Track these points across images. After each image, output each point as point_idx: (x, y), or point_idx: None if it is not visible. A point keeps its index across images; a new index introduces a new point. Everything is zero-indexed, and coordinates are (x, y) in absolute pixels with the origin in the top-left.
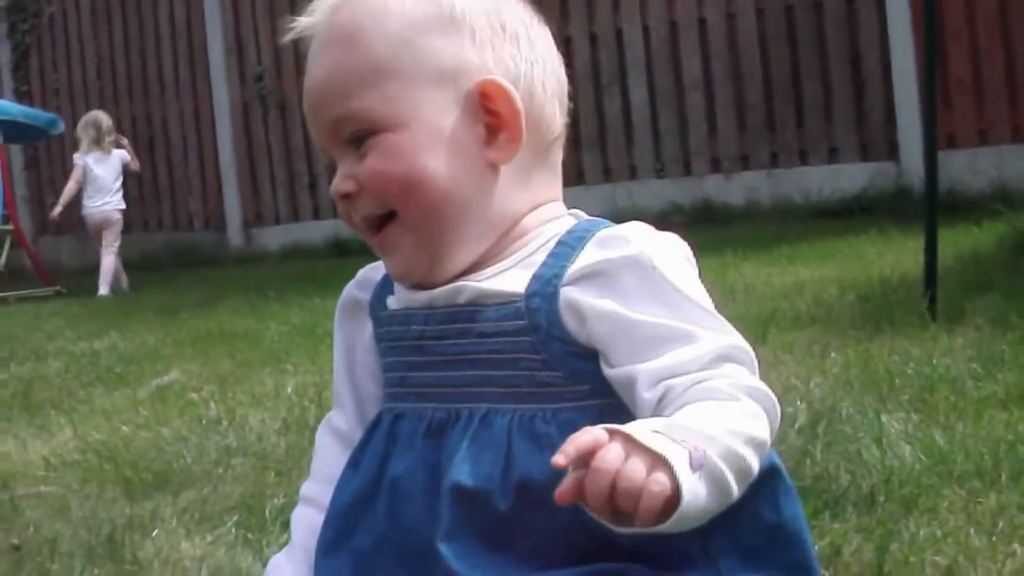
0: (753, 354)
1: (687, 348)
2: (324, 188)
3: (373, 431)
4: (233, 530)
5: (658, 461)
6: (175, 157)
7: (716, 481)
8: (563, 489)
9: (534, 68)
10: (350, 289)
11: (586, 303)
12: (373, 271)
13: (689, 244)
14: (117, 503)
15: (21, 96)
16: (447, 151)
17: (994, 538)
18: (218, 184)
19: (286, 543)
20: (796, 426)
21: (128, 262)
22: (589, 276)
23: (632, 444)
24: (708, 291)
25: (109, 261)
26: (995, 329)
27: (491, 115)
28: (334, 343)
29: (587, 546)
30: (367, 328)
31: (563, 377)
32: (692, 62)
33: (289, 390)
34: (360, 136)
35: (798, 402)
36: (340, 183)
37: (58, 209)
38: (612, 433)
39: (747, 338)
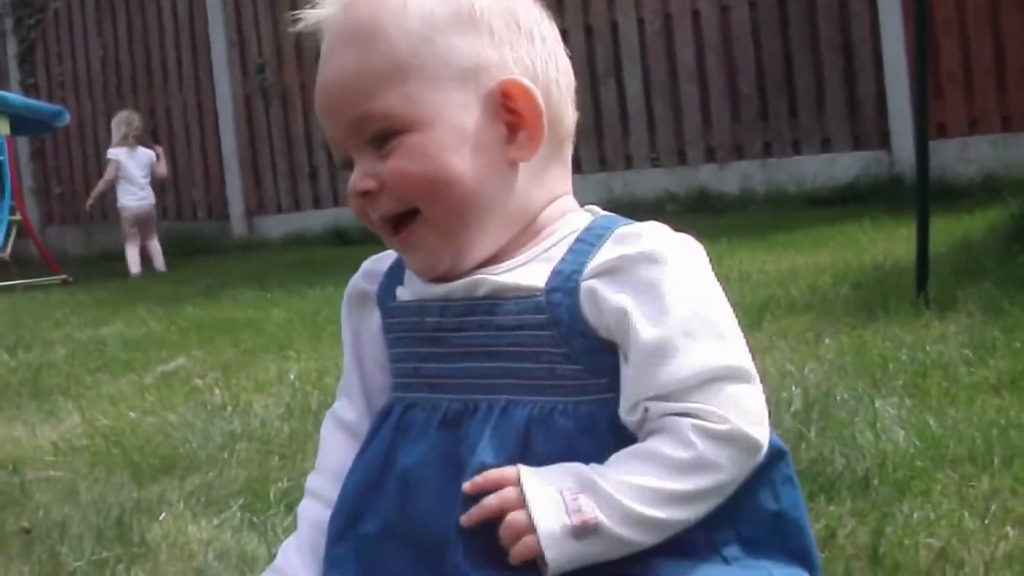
0: (751, 369)
1: (674, 368)
2: (324, 177)
3: (382, 421)
4: (238, 513)
5: (531, 528)
6: (179, 148)
7: (615, 541)
8: (466, 516)
9: (548, 65)
10: (356, 281)
11: (603, 297)
12: (378, 262)
13: (686, 233)
14: (125, 487)
15: (27, 89)
16: (470, 150)
17: (987, 521)
18: (221, 174)
19: (290, 526)
20: (791, 411)
21: None
22: (607, 272)
23: (523, 502)
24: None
25: (156, 245)
26: (987, 316)
27: (512, 114)
28: (342, 334)
29: None
30: (374, 319)
31: (583, 371)
32: (686, 53)
33: (292, 376)
34: (382, 136)
35: (793, 387)
36: (360, 181)
37: (91, 201)
38: (518, 481)
39: (742, 325)
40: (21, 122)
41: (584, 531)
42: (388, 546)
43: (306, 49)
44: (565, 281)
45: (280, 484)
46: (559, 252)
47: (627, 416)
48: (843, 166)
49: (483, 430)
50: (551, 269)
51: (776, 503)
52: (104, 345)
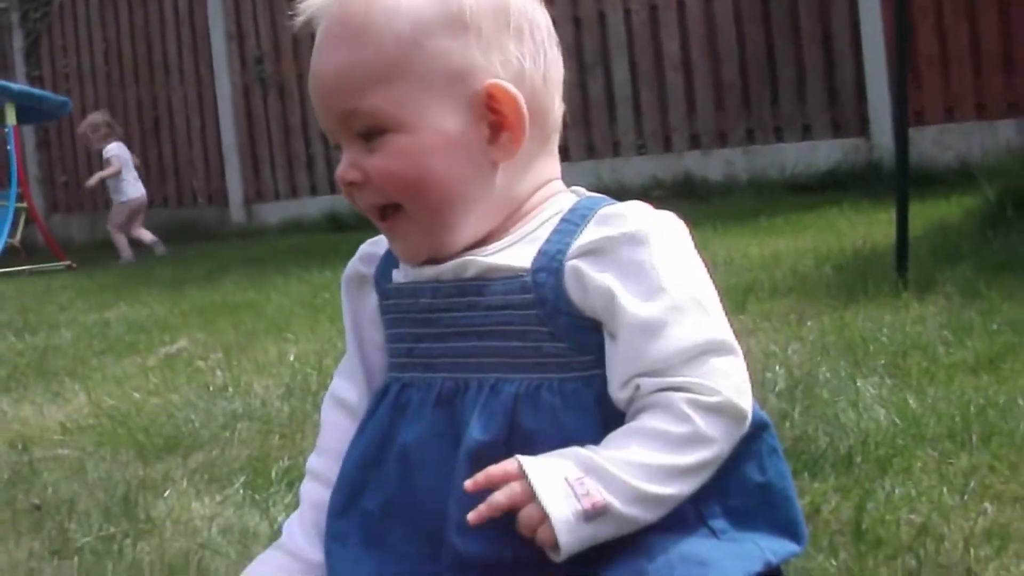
0: (734, 343)
1: (663, 343)
2: (321, 166)
3: (380, 400)
4: (240, 490)
5: (545, 517)
6: (179, 138)
7: (623, 521)
8: (474, 513)
9: (537, 60)
10: (354, 264)
11: (587, 276)
12: (375, 246)
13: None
14: (130, 465)
15: (33, 80)
16: (453, 152)
17: (966, 497)
18: (220, 163)
19: (291, 502)
20: (776, 390)
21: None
22: (591, 252)
23: (532, 494)
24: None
25: (149, 233)
26: (964, 298)
27: (496, 114)
28: (343, 316)
29: None
30: (371, 301)
31: (568, 348)
32: (672, 43)
33: (291, 357)
34: (369, 132)
35: (777, 368)
36: (346, 171)
37: (92, 182)
38: (522, 475)
39: (727, 308)
40: (27, 111)
41: (594, 514)
42: (389, 522)
43: (303, 42)
44: (550, 261)
45: (281, 462)
46: (545, 233)
47: (618, 393)
48: (823, 153)
49: (474, 408)
50: (537, 250)
51: (762, 474)
52: (108, 328)
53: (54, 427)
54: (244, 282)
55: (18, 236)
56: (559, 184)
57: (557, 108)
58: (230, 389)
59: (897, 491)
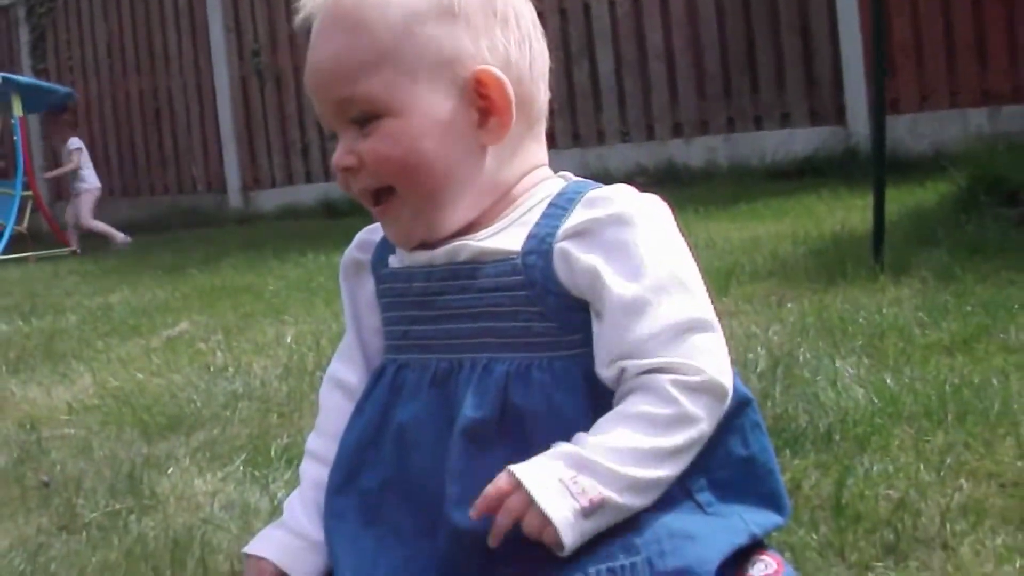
0: (715, 321)
1: (646, 323)
2: (316, 154)
3: (377, 380)
4: (241, 468)
5: (547, 521)
6: (179, 127)
7: (619, 510)
8: (491, 538)
9: (523, 49)
10: (351, 251)
11: (574, 257)
12: (371, 233)
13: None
14: (135, 444)
15: (39, 73)
16: (444, 135)
17: (942, 473)
18: (219, 151)
19: (290, 479)
20: (757, 371)
21: (137, 223)
22: (577, 234)
23: (531, 501)
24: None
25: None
26: (939, 281)
27: (485, 100)
28: (342, 302)
29: None
30: (368, 286)
31: (557, 328)
32: (655, 34)
33: (288, 339)
34: (363, 117)
35: (758, 349)
36: (342, 157)
37: (51, 175)
38: (515, 486)
39: (709, 290)
40: (33, 101)
41: (592, 509)
42: (387, 499)
43: (298, 35)
44: (539, 244)
45: (280, 440)
46: (534, 217)
47: (604, 371)
48: (801, 140)
49: (468, 387)
50: (527, 233)
51: (746, 448)
52: (112, 311)
53: (61, 407)
54: (242, 266)
55: (25, 223)
56: (547, 170)
57: (543, 95)
58: (230, 370)
59: (875, 468)
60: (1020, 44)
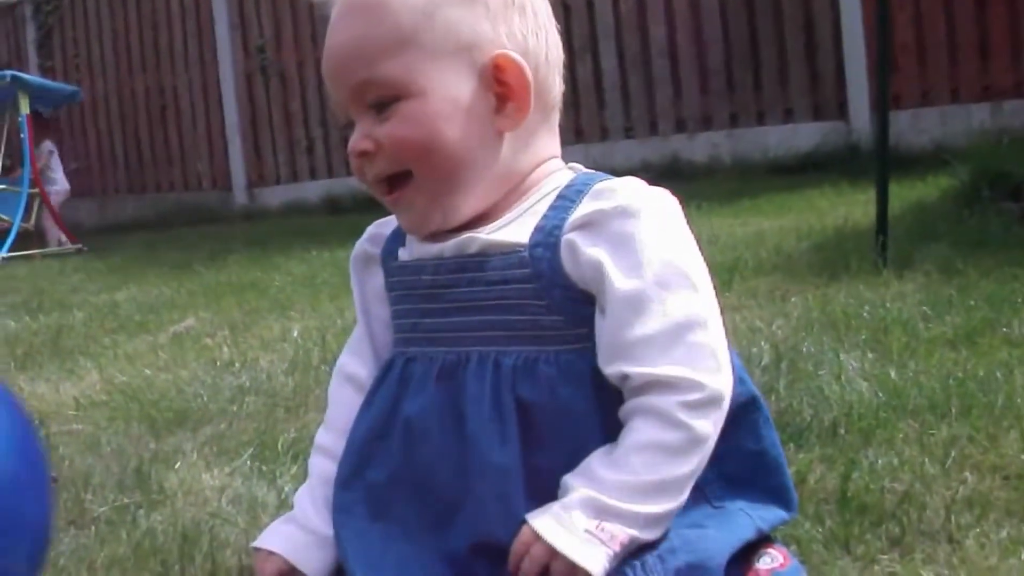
0: (716, 316)
1: (647, 321)
2: (320, 150)
3: (385, 373)
4: (248, 462)
5: (578, 570)
6: (185, 124)
7: (646, 538)
8: None
9: (539, 39)
10: (361, 244)
11: (580, 249)
12: (381, 227)
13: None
14: (142, 439)
15: (45, 71)
16: (462, 119)
17: (947, 466)
18: (224, 148)
19: (297, 473)
20: (761, 365)
21: (143, 220)
22: (584, 226)
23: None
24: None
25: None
26: (942, 275)
27: (502, 85)
28: (352, 295)
29: None
30: (378, 279)
31: (564, 321)
32: (658, 30)
33: (295, 334)
34: (382, 101)
35: (762, 343)
36: (359, 142)
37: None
38: (536, 537)
39: (713, 284)
40: (40, 100)
41: (623, 549)
42: (395, 492)
43: (303, 31)
44: (547, 236)
45: (287, 435)
46: (543, 209)
47: (606, 368)
48: (804, 135)
49: (474, 380)
50: (535, 225)
51: (757, 443)
52: (119, 308)
53: (69, 403)
54: (248, 262)
55: (32, 221)
56: (558, 162)
57: (558, 86)
58: (237, 365)
59: (880, 461)
60: (1022, 39)
